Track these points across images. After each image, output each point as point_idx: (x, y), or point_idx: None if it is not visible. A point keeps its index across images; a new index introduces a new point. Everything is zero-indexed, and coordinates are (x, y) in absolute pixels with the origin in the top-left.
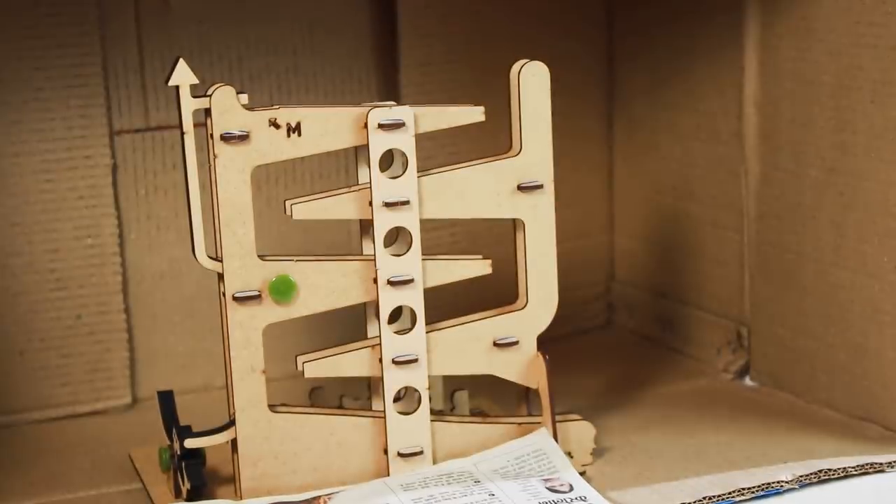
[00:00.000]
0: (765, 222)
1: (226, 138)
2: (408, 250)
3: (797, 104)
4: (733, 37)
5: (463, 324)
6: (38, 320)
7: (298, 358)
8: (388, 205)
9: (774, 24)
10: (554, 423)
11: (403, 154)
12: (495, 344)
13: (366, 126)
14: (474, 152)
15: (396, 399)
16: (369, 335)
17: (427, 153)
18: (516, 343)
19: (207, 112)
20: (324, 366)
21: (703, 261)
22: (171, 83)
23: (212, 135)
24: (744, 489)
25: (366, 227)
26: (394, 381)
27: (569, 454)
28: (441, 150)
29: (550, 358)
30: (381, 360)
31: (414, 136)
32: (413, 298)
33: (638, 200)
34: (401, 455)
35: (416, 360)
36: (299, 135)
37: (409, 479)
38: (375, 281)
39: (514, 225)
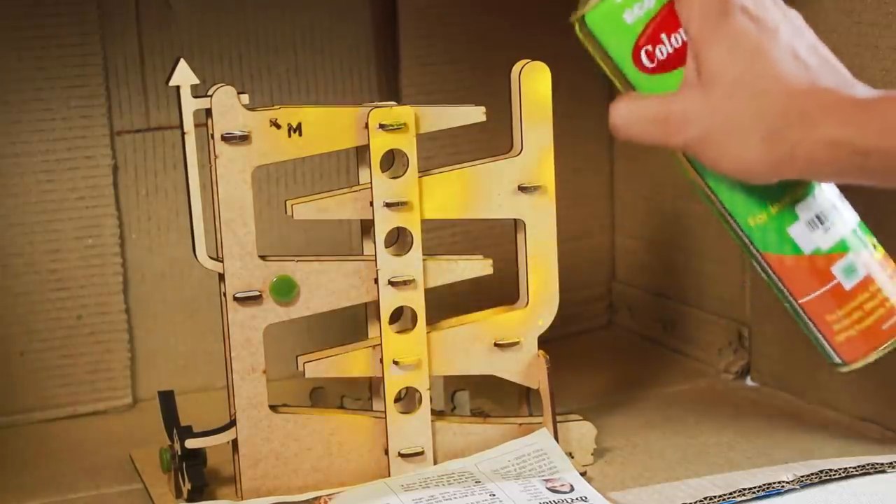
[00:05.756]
0: None
1: (226, 138)
2: (408, 250)
3: None
4: None
5: (464, 324)
6: (39, 321)
7: (299, 358)
8: (388, 205)
9: None
10: (555, 423)
11: (404, 154)
12: (496, 344)
13: (367, 126)
14: (475, 152)
15: (397, 399)
16: (370, 335)
17: (427, 153)
18: (517, 343)
19: (208, 112)
20: (324, 366)
21: (703, 261)
22: (171, 83)
23: (212, 135)
24: (745, 489)
25: (367, 227)
26: (395, 381)
27: (570, 454)
28: (442, 150)
29: (551, 358)
30: (381, 361)
31: (415, 137)
32: (414, 298)
33: (639, 200)
34: (402, 455)
35: (417, 361)
36: (300, 135)
37: (410, 480)
38: (376, 281)
39: (515, 225)
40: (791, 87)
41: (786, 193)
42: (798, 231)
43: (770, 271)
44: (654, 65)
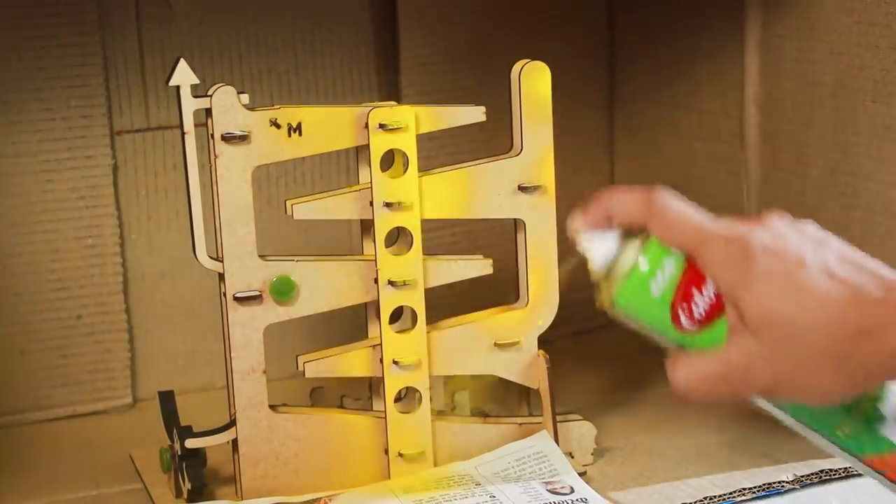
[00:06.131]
0: None
1: (227, 138)
2: (408, 250)
3: (798, 104)
4: (734, 37)
5: (464, 324)
6: (39, 320)
7: (299, 358)
8: (388, 205)
9: (776, 25)
10: (555, 423)
11: (404, 154)
12: (496, 344)
13: (367, 126)
14: (475, 152)
15: (397, 399)
16: (370, 335)
17: (427, 153)
18: (517, 343)
19: (208, 112)
20: (325, 366)
21: None
22: (171, 83)
23: (212, 135)
24: (745, 489)
25: (367, 227)
26: (395, 381)
27: (570, 454)
28: (441, 150)
29: (551, 358)
30: (381, 361)
31: (415, 137)
32: (414, 298)
33: None
34: (402, 456)
35: (417, 361)
36: (300, 135)
37: (411, 482)
38: (376, 281)
39: (515, 225)
40: (839, 310)
41: (864, 398)
42: (889, 429)
43: (873, 471)
44: (694, 322)
